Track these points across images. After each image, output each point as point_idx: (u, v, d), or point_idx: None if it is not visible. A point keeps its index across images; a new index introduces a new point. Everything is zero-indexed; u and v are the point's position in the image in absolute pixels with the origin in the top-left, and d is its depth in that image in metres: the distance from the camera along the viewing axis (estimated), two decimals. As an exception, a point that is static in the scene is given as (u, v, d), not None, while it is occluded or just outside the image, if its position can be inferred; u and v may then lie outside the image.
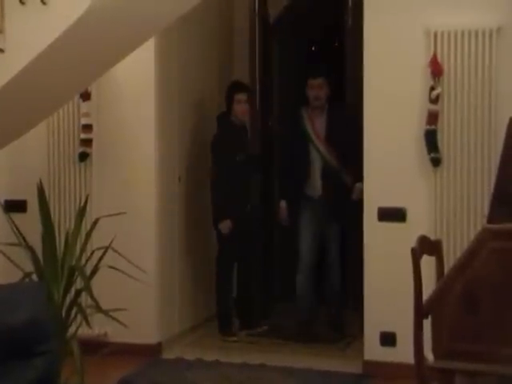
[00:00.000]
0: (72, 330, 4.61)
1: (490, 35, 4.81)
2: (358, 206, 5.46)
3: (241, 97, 6.13)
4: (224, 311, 6.28)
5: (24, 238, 4.86)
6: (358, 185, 5.60)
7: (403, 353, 4.44)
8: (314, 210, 5.87)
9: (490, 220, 3.97)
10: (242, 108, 6.14)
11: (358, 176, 5.49)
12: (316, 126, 5.82)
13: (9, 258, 4.94)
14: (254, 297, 6.52)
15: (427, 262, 3.67)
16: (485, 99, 4.89)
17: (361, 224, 5.29)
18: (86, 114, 5.86)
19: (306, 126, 5.83)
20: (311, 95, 5.77)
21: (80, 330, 4.70)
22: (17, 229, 4.86)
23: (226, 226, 6.05)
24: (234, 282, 6.42)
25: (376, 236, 5.26)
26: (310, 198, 5.84)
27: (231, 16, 7.47)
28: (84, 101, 5.80)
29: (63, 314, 4.67)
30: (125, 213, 5.41)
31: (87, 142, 5.87)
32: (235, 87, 6.27)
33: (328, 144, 5.76)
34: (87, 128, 5.83)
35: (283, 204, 6.00)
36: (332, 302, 6.08)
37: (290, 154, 5.99)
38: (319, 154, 5.80)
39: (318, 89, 5.74)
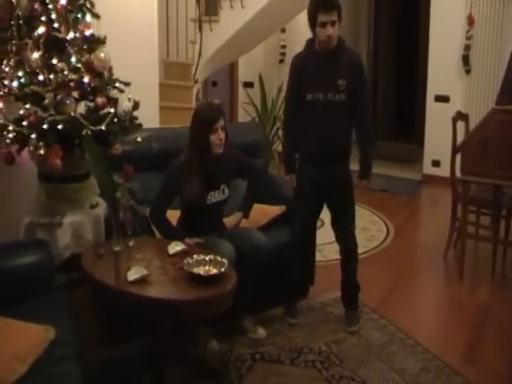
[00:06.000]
0: (274, 147, 7.31)
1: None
2: None
3: (326, 18, 3.43)
4: None
5: (252, 100, 7.54)
6: None
7: (445, 171, 5.70)
8: None
9: (497, 104, 5.24)
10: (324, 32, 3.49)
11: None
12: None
13: (244, 109, 7.72)
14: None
15: (460, 126, 4.85)
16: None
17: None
18: (283, 40, 8.24)
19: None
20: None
21: (277, 146, 7.09)
22: (248, 95, 7.69)
23: None
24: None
25: (432, 111, 7.23)
26: None
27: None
28: (282, 33, 8.14)
29: (270, 138, 7.34)
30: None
31: (283, 54, 8.17)
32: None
33: None
34: (284, 47, 8.21)
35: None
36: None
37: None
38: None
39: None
